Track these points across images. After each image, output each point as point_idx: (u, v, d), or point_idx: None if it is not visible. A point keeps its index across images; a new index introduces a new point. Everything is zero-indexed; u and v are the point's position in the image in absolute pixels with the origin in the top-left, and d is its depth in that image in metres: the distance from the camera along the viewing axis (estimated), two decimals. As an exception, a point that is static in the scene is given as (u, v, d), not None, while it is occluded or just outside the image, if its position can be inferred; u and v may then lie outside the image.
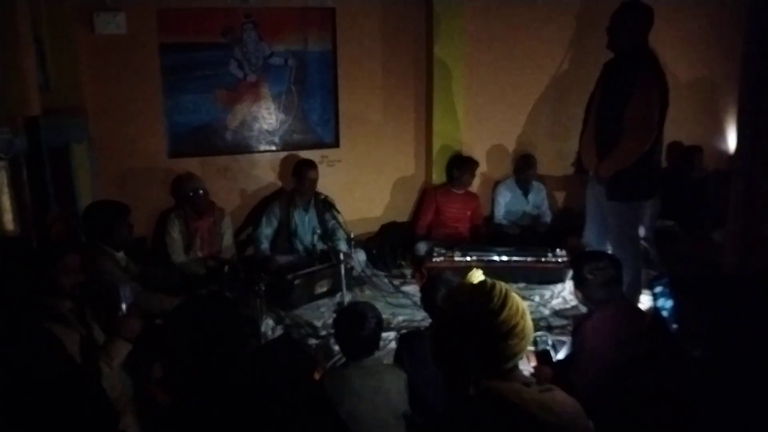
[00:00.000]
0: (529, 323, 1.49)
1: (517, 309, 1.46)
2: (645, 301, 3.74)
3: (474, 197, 5.16)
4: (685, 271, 3.32)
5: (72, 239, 3.80)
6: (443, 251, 4.52)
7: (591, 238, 3.93)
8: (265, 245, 4.56)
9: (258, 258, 4.50)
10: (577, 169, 4.01)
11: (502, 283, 1.50)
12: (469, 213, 5.10)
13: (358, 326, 2.43)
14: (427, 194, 5.20)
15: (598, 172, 3.65)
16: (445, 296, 1.54)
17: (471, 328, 1.43)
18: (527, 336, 1.47)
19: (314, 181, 4.58)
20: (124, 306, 2.57)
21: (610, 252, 3.55)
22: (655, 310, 3.18)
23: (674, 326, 2.96)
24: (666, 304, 3.12)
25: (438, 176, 5.24)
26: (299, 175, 4.58)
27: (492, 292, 1.45)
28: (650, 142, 3.44)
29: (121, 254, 3.45)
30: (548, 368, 2.80)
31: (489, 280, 1.50)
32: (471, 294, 1.48)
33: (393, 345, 3.30)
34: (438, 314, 1.56)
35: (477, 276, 1.52)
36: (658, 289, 3.19)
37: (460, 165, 5.01)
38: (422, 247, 4.81)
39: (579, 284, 2.79)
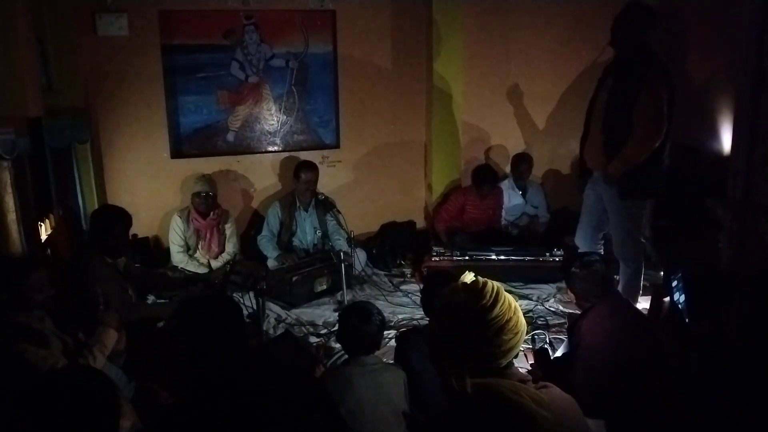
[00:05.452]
0: (522, 319, 1.50)
1: (510, 305, 1.48)
2: (642, 301, 3.76)
3: (496, 193, 5.05)
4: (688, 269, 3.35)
5: (74, 239, 3.83)
6: (442, 251, 4.55)
7: (582, 239, 3.94)
8: (273, 244, 4.59)
9: (269, 256, 4.52)
10: (579, 173, 3.96)
11: (494, 282, 1.52)
12: (490, 212, 5.01)
13: (363, 323, 2.44)
14: (456, 192, 5.14)
15: (606, 173, 3.60)
16: (440, 297, 1.55)
17: (466, 325, 1.45)
18: (521, 331, 1.48)
19: (310, 182, 4.57)
20: (101, 302, 2.81)
21: (600, 253, 3.56)
22: (671, 304, 3.19)
23: (686, 320, 2.98)
24: (681, 298, 3.13)
25: (437, 176, 5.26)
26: (296, 177, 4.61)
27: (484, 290, 1.47)
28: (660, 139, 3.43)
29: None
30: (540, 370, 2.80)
31: (481, 279, 1.52)
32: (464, 292, 1.49)
33: (393, 343, 3.32)
34: (433, 315, 1.58)
35: (469, 277, 1.54)
36: (674, 283, 3.20)
37: (474, 176, 4.95)
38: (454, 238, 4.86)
39: (569, 280, 2.80)
